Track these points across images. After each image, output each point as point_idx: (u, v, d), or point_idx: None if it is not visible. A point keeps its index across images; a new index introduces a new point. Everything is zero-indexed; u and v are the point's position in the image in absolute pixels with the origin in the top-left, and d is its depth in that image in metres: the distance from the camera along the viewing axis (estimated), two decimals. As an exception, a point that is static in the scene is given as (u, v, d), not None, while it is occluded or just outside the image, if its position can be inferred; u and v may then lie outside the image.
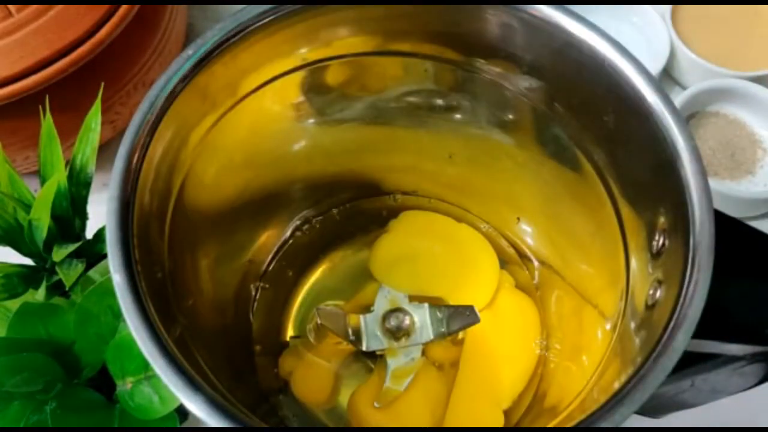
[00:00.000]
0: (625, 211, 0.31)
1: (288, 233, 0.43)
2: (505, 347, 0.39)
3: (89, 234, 0.36)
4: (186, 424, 0.37)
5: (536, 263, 0.42)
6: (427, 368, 0.39)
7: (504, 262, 0.42)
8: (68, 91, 0.41)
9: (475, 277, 0.41)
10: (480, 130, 0.37)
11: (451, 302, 0.40)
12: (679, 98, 0.49)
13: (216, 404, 0.24)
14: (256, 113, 0.34)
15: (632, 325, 0.29)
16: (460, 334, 0.40)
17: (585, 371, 0.31)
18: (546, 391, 0.37)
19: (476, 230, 0.43)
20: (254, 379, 0.40)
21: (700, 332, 0.24)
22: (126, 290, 0.25)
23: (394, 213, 0.44)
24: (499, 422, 0.37)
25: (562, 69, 0.30)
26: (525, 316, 0.40)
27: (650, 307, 0.27)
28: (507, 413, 0.38)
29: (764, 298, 0.29)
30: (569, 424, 0.25)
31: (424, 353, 0.40)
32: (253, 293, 0.42)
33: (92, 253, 0.35)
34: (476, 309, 0.39)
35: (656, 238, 0.28)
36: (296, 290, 0.42)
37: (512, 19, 0.30)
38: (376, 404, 0.38)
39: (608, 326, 0.31)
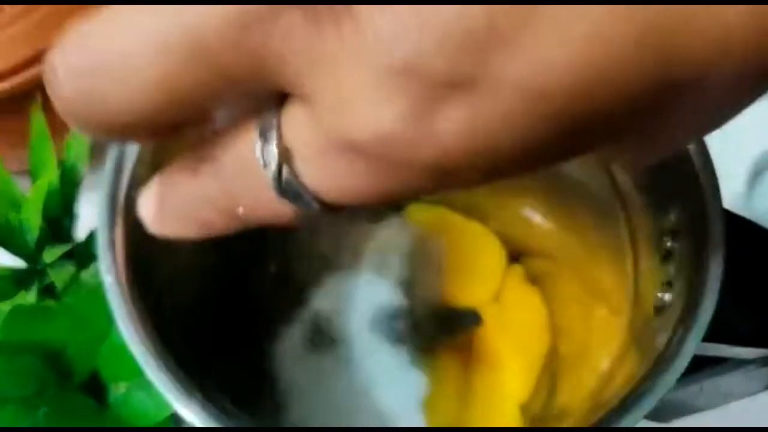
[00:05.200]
0: (634, 211, 0.30)
1: (288, 233, 0.43)
2: (513, 344, 0.39)
3: (83, 235, 0.36)
4: (186, 424, 0.36)
5: (543, 262, 0.41)
6: (433, 368, 0.39)
7: (510, 259, 0.41)
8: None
9: (480, 271, 0.41)
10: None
11: (456, 297, 0.40)
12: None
13: (211, 410, 0.23)
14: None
15: (641, 328, 0.28)
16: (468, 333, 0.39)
17: (593, 375, 0.30)
18: (555, 393, 0.37)
19: (482, 224, 0.42)
20: (254, 380, 0.39)
21: (709, 335, 0.24)
22: (117, 292, 0.24)
23: (396, 207, 0.43)
24: (516, 420, 0.37)
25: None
26: (533, 312, 0.40)
27: (659, 310, 0.27)
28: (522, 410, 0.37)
29: (774, 299, 0.29)
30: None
31: (427, 352, 0.39)
32: (253, 293, 0.41)
33: (85, 254, 0.35)
34: (481, 307, 0.39)
35: (665, 239, 0.27)
36: (296, 290, 0.42)
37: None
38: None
39: (616, 329, 0.31)
